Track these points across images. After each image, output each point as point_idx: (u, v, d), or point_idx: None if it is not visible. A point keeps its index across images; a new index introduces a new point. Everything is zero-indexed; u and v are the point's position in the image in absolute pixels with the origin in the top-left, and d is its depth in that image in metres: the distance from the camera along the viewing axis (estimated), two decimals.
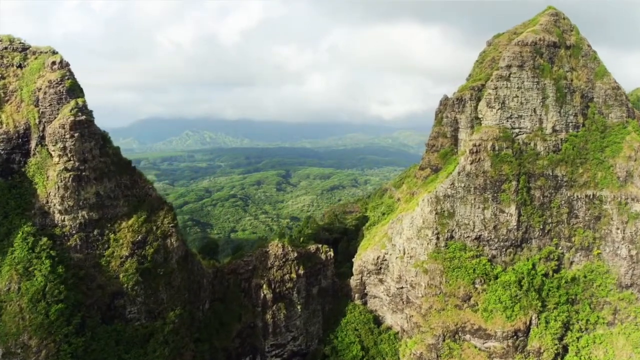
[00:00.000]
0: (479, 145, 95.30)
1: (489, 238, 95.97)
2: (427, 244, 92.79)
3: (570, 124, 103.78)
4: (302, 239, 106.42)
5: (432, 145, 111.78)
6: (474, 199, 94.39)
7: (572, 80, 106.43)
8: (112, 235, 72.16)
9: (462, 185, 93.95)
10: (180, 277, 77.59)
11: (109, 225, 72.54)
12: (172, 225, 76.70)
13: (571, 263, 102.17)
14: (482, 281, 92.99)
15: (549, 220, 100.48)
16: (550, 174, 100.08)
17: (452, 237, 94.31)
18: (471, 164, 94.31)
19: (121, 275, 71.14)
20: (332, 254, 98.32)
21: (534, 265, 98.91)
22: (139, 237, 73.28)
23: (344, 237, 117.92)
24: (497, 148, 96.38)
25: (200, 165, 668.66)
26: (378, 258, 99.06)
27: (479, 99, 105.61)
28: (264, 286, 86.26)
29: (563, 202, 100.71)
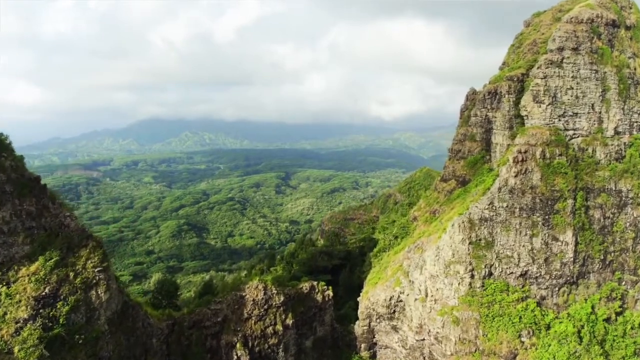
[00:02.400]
0: (526, 152, 70.44)
1: (538, 274, 71.10)
2: (459, 283, 67.85)
3: (635, 124, 79.01)
4: (293, 270, 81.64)
5: (456, 150, 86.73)
6: (520, 223, 69.49)
7: (635, 69, 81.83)
8: (3, 289, 47.47)
9: (504, 205, 69.03)
10: (114, 342, 52.90)
11: None
12: (99, 269, 51.85)
13: (636, 301, 77.75)
14: (531, 333, 68.19)
15: (611, 249, 75.80)
16: (613, 188, 75.33)
17: (490, 274, 69.39)
18: (515, 176, 69.42)
19: (16, 350, 46.43)
20: (331, 294, 73.49)
21: (593, 307, 74.42)
22: (47, 290, 48.54)
23: (346, 263, 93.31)
24: (547, 155, 71.58)
25: (199, 167, 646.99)
26: (391, 299, 74.13)
27: (518, 92, 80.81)
28: (238, 344, 61.52)
29: (628, 224, 75.98)
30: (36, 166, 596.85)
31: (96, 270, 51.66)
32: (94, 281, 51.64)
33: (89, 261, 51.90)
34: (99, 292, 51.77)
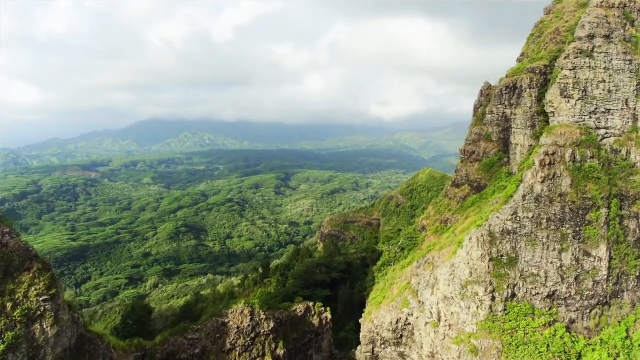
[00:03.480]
0: (554, 154, 60.54)
1: (567, 295, 61.17)
2: (477, 307, 57.90)
3: None
4: (288, 283, 71.64)
5: (470, 152, 76.73)
6: (547, 236, 59.55)
7: None
8: None
9: (530, 215, 59.09)
10: None
11: None
12: (45, 297, 42.00)
13: None
14: None
15: None
16: None
17: (514, 295, 59.45)
18: (542, 182, 59.50)
19: None
20: (330, 317, 63.55)
21: (627, 331, 64.61)
22: None
23: (347, 276, 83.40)
24: (578, 158, 61.70)
25: (198, 168, 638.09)
26: (398, 321, 64.22)
27: (541, 86, 70.94)
28: None
29: None
30: (35, 167, 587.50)
31: (41, 299, 41.77)
32: (39, 313, 41.79)
33: (33, 288, 42.04)
34: (45, 326, 41.92)
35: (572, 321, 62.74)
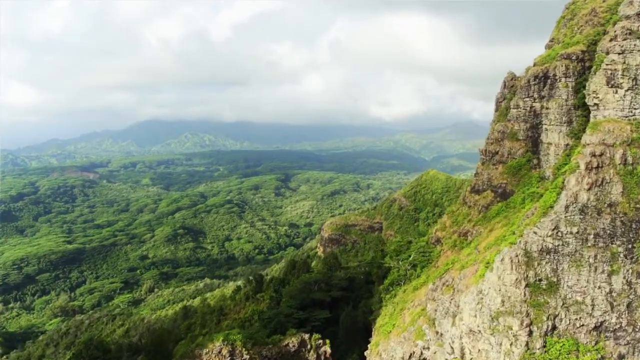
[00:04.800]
0: (601, 155, 49.22)
1: (617, 326, 49.71)
2: (511, 344, 46.50)
3: None
4: (282, 301, 60.33)
5: (492, 152, 65.18)
6: (595, 255, 48.14)
7: None
8: None
9: (574, 230, 47.70)
10: None
11: None
12: None
13: None
14: None
15: None
16: None
17: (554, 328, 48.01)
18: (589, 189, 48.16)
19: None
20: (329, 351, 52.23)
21: None
22: None
23: (350, 294, 72.02)
24: (630, 160, 50.36)
25: (197, 169, 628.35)
26: (411, 356, 52.84)
27: (579, 74, 59.58)
28: None
29: None
30: (33, 168, 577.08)
31: None
32: None
33: None
34: None
35: (621, 356, 51.31)
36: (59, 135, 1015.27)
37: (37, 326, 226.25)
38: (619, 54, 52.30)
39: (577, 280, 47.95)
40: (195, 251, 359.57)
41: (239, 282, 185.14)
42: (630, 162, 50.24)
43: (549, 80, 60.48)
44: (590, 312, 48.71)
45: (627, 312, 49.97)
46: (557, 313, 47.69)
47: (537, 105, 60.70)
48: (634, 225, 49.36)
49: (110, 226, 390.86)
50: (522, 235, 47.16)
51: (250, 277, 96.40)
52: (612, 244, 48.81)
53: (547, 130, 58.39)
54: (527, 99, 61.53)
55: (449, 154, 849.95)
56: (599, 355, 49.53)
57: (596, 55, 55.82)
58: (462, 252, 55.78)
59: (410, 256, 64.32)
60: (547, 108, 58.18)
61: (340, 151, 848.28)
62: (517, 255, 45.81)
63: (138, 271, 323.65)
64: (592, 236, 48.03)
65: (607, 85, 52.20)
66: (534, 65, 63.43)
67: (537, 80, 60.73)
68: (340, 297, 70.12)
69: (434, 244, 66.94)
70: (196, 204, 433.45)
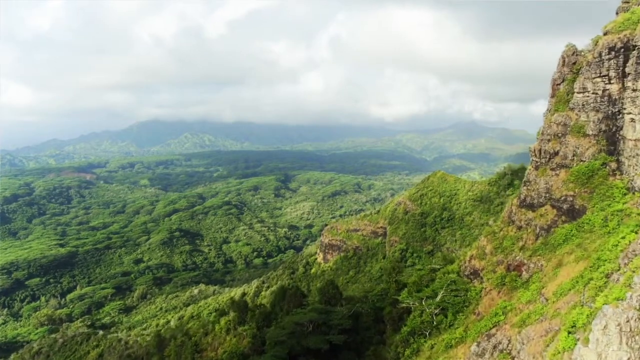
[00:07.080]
0: None
1: None
2: None
3: None
4: (266, 344, 43.02)
5: (549, 153, 47.37)
6: None
7: None
8: None
9: None
10: None
11: None
12: None
13: None
14: None
15: None
16: None
17: None
18: None
19: None
20: None
21: None
22: None
23: (353, 337, 54.14)
24: None
25: (197, 169, 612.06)
26: None
27: None
28: None
29: None
30: (30, 168, 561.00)
31: None
32: None
33: None
34: None
35: None
36: (59, 135, 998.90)
37: (22, 335, 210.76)
38: None
39: None
40: (191, 254, 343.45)
41: (227, 298, 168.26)
42: None
43: (628, 54, 42.92)
44: None
45: None
46: None
47: (613, 87, 43.27)
48: None
49: (105, 228, 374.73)
50: (631, 286, 29.82)
51: (234, 299, 79.21)
52: None
53: (633, 121, 40.85)
54: (599, 80, 44.06)
55: (450, 154, 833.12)
56: None
57: None
58: (517, 296, 38.49)
59: (437, 294, 46.54)
60: (633, 90, 40.63)
61: (341, 151, 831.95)
62: (628, 321, 28.52)
63: (132, 275, 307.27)
64: None
65: None
66: (605, 34, 45.83)
67: (614, 53, 43.25)
68: (341, 343, 52.28)
69: (469, 277, 48.89)
70: (194, 205, 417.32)
